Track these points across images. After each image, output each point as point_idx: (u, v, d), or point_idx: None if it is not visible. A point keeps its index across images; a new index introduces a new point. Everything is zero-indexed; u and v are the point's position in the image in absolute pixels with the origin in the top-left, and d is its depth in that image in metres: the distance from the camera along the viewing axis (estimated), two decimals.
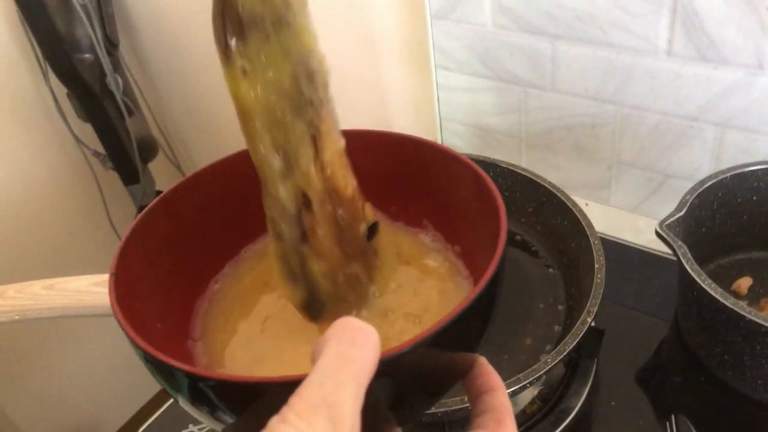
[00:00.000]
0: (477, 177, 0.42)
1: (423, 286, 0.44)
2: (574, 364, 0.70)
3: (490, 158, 0.82)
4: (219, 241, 0.48)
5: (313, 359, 0.26)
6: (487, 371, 0.36)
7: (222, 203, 0.47)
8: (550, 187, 0.76)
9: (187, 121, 1.45)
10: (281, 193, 0.38)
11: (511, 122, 1.01)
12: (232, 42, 0.35)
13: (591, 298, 0.63)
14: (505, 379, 0.62)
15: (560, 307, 0.72)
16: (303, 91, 0.37)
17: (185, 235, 0.45)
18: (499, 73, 0.96)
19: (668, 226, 0.66)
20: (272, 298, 0.45)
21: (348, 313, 0.42)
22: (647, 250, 0.87)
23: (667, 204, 0.92)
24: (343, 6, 1.01)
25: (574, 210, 0.72)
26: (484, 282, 0.33)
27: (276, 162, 0.37)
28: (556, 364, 0.59)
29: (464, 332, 0.34)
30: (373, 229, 0.43)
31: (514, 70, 0.94)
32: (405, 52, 1.03)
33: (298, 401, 0.24)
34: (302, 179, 0.38)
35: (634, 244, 0.88)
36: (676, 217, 0.67)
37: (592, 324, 0.62)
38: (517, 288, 0.76)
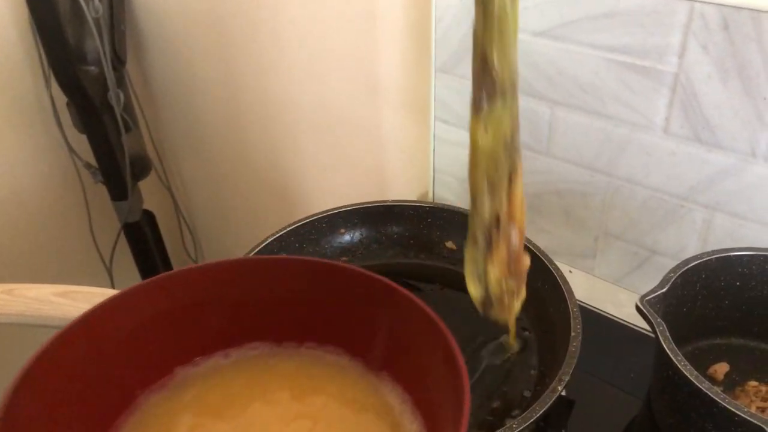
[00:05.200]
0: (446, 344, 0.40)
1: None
2: None
3: None
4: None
5: None
6: None
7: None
8: (533, 249, 0.75)
9: (183, 143, 1.44)
10: (485, 209, 0.55)
11: None
12: (484, 102, 0.50)
13: (564, 366, 0.62)
14: None
15: (532, 372, 0.70)
16: (513, 142, 0.52)
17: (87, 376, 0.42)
18: None
19: (649, 301, 0.65)
20: None
21: (505, 315, 0.61)
22: (627, 324, 0.86)
23: (651, 280, 0.91)
24: (352, 54, 1.02)
25: (555, 274, 0.71)
26: None
27: (486, 186, 0.54)
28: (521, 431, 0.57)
29: None
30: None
31: None
32: (406, 102, 1.03)
33: None
34: (498, 203, 0.54)
35: (615, 316, 0.87)
36: (658, 293, 0.66)
37: (563, 393, 0.61)
38: (492, 348, 0.75)
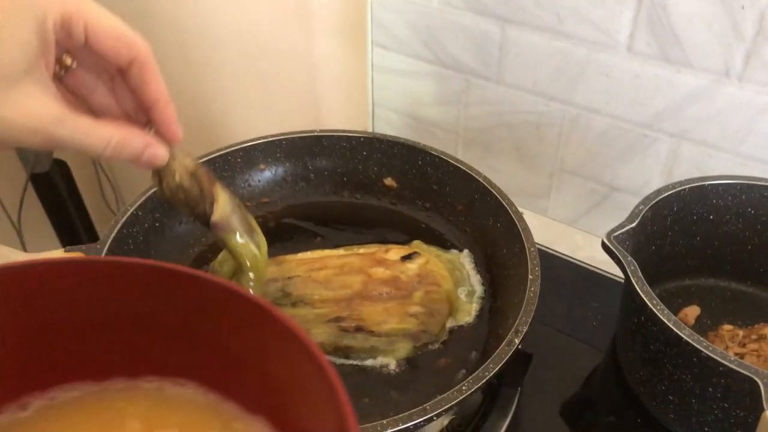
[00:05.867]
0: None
1: None
2: (493, 392, 0.59)
3: (420, 144, 0.71)
4: None
5: None
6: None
7: None
8: (485, 183, 0.65)
9: None
10: None
11: (450, 115, 0.90)
12: None
13: (521, 315, 0.53)
14: (413, 406, 0.51)
15: (481, 324, 0.61)
16: None
17: None
18: (441, 56, 0.85)
19: (617, 238, 0.57)
20: None
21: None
22: (586, 267, 0.77)
23: (609, 220, 0.83)
24: None
25: (510, 211, 0.62)
26: None
27: None
28: (473, 393, 0.48)
29: None
30: None
31: (457, 55, 0.83)
32: (340, 25, 0.91)
33: None
34: None
35: (572, 258, 0.79)
36: (627, 228, 0.58)
37: (520, 347, 0.51)
38: None
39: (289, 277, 0.63)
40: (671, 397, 0.55)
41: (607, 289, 0.74)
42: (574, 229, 0.88)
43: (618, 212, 0.84)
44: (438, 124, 0.92)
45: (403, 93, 0.93)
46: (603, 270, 0.76)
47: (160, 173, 0.48)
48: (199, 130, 1.16)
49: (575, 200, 0.87)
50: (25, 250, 1.29)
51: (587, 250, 0.84)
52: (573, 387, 0.63)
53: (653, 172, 0.78)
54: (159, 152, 0.44)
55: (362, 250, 0.67)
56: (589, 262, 0.78)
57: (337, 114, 0.99)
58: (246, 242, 0.53)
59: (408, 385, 0.56)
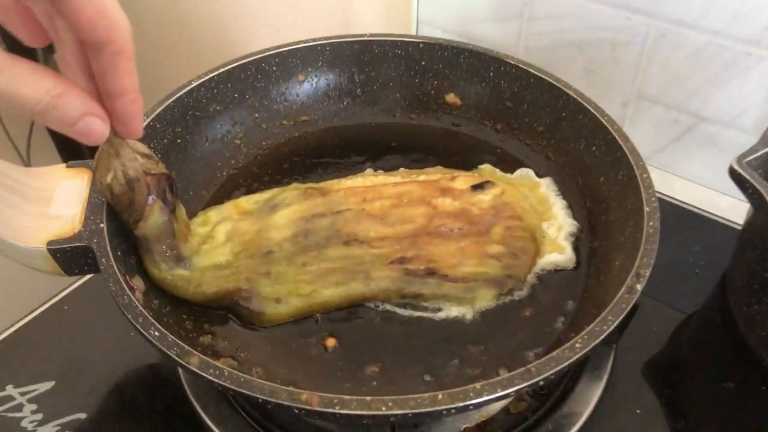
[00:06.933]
0: None
1: None
2: None
3: (493, 50, 0.59)
4: None
5: None
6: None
7: None
8: (576, 96, 0.54)
9: None
10: None
11: (509, 33, 0.78)
12: None
13: (641, 255, 0.42)
14: (498, 365, 0.41)
15: (575, 272, 0.50)
16: None
17: None
18: None
19: (749, 163, 0.46)
20: None
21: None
22: (684, 206, 0.66)
23: (691, 157, 0.74)
24: None
25: (611, 129, 0.51)
26: None
27: None
28: (588, 352, 0.38)
29: None
30: None
31: None
32: None
33: None
34: None
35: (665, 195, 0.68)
36: (761, 153, 0.47)
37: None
38: None
39: (338, 211, 0.52)
40: None
41: (700, 230, 0.63)
42: (649, 166, 0.77)
43: (701, 148, 0.73)
44: (494, 44, 0.80)
45: (454, 7, 0.80)
46: (693, 206, 0.66)
47: (96, 160, 0.44)
48: (213, 24, 1.02)
49: (653, 133, 0.75)
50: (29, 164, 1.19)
51: (665, 189, 0.73)
52: (673, 348, 0.53)
53: (755, 98, 0.67)
54: (98, 127, 0.36)
55: (423, 177, 0.56)
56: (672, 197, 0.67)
57: (376, 21, 0.86)
58: (162, 274, 0.47)
59: (489, 339, 0.46)
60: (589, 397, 0.49)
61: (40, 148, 1.24)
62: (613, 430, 0.49)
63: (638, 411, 0.49)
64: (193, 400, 0.48)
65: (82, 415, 0.48)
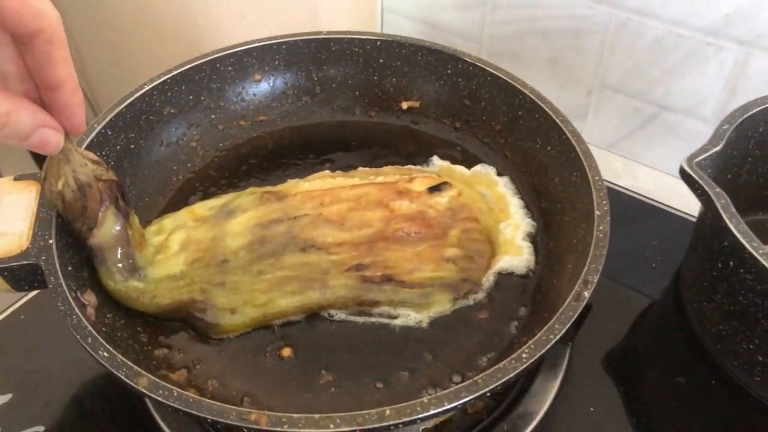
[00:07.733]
0: None
1: None
2: None
3: (450, 48, 0.58)
4: None
5: None
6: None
7: None
8: (533, 97, 0.53)
9: None
10: None
11: (472, 20, 0.78)
12: None
13: (589, 261, 0.43)
14: (451, 372, 0.42)
15: (531, 274, 0.51)
16: None
17: None
18: None
19: (699, 164, 0.46)
20: None
21: None
22: (644, 199, 0.67)
23: (654, 145, 0.74)
24: None
25: (565, 130, 0.51)
26: None
27: None
28: (535, 361, 0.38)
29: None
30: None
31: None
32: None
33: None
34: None
35: (626, 189, 0.68)
36: (711, 153, 0.47)
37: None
38: None
39: (294, 217, 0.52)
40: (761, 358, 0.46)
41: (667, 221, 0.64)
42: (611, 154, 0.77)
43: (663, 135, 0.74)
44: (458, 31, 0.80)
45: None
46: (651, 199, 0.66)
47: (45, 169, 0.43)
48: (176, 23, 1.00)
49: (616, 121, 0.76)
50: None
51: (628, 177, 0.74)
52: (629, 342, 0.54)
53: (714, 87, 0.67)
54: (52, 138, 0.37)
55: (380, 178, 0.55)
56: (632, 191, 0.68)
57: (341, 21, 0.85)
58: (117, 286, 0.47)
59: (444, 345, 0.46)
60: (545, 395, 0.50)
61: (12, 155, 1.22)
62: (569, 427, 0.50)
63: (592, 409, 0.50)
64: (153, 410, 0.48)
65: (41, 428, 0.48)
